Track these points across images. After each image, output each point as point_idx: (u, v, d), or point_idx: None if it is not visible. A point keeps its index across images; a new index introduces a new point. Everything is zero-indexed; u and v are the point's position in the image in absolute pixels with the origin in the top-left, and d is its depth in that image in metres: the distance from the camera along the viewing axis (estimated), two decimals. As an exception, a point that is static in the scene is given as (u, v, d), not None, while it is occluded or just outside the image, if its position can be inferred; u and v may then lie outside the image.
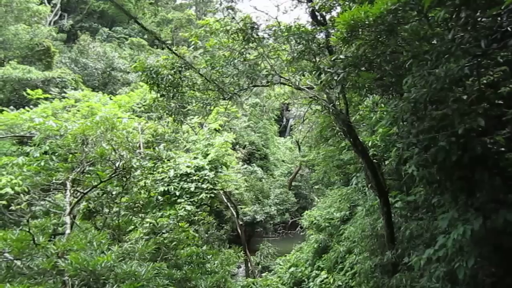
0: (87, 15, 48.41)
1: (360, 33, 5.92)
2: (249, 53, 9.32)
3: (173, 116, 10.55)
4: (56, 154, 9.88)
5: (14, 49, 29.96)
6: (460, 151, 5.37)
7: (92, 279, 5.69)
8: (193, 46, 10.04)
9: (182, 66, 9.38)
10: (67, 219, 8.05)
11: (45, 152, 10.39)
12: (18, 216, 8.14)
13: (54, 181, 9.17)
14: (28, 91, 14.41)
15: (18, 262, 6.12)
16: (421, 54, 5.63)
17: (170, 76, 9.39)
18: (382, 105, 9.59)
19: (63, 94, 16.75)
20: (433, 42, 5.69)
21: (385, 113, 9.10)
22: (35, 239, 6.18)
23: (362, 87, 7.28)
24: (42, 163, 9.34)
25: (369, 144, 9.68)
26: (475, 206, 5.61)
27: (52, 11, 41.15)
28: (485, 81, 5.53)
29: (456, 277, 5.81)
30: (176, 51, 10.32)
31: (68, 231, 7.75)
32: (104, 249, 6.28)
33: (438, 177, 6.17)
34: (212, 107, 10.86)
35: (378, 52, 6.13)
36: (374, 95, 8.76)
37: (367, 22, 5.56)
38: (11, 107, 13.16)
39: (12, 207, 8.04)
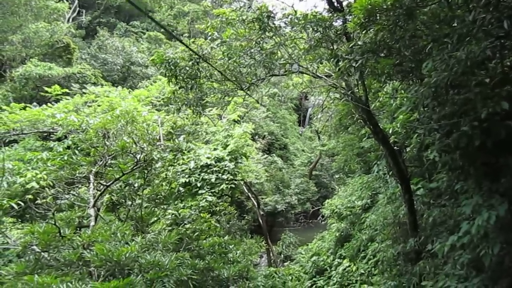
0: (104, 11, 48.76)
1: (378, 18, 5.83)
2: (266, 43, 9.27)
3: (192, 107, 10.61)
4: (79, 148, 10.05)
5: (35, 47, 30.38)
6: (483, 135, 5.24)
7: (117, 269, 5.81)
8: (210, 38, 10.03)
9: (200, 56, 9.40)
10: (92, 212, 8.23)
11: (68, 147, 10.57)
12: (44, 210, 8.36)
13: (77, 174, 9.35)
14: (47, 89, 14.76)
15: (46, 254, 6.29)
16: (441, 37, 5.50)
17: (188, 68, 9.42)
18: (402, 91, 9.44)
19: (83, 90, 16.97)
20: (453, 24, 5.54)
21: (405, 99, 8.94)
22: (61, 231, 6.34)
23: (381, 73, 7.17)
24: (66, 158, 9.49)
25: (390, 131, 9.55)
26: (499, 192, 5.49)
27: (70, 8, 41.57)
28: (508, 63, 5.39)
29: (481, 264, 5.72)
30: (193, 43, 10.35)
31: (92, 223, 7.93)
32: (128, 240, 6.40)
33: (461, 162, 6.06)
34: (230, 98, 10.87)
35: (396, 37, 6.02)
36: (394, 81, 8.60)
37: (384, 7, 5.48)
38: (34, 103, 13.42)
39: (38, 201, 8.26)
